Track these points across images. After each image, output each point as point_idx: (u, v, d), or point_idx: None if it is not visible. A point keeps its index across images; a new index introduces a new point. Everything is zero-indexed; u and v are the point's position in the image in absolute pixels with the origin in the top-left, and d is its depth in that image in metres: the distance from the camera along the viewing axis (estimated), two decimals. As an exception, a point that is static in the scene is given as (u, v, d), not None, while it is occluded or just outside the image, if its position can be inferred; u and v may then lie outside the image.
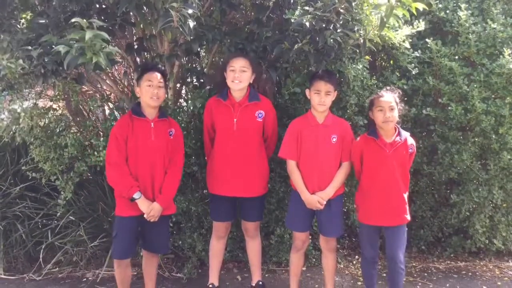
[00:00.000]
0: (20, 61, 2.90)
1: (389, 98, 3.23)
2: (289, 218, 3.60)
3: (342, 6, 3.11)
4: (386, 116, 3.19)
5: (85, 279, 4.12)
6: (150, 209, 3.21)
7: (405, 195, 3.35)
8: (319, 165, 3.34)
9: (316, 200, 3.33)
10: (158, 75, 3.26)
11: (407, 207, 3.35)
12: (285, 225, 3.86)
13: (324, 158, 3.35)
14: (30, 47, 2.92)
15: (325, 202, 3.34)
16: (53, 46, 2.78)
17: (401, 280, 3.34)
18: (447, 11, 4.19)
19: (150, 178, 3.25)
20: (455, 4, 4.19)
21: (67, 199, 4.10)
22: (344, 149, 3.39)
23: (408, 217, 3.34)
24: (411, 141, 3.33)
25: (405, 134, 3.31)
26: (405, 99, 3.70)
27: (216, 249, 3.71)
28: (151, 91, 3.21)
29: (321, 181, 3.36)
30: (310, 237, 3.98)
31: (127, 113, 3.38)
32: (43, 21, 3.15)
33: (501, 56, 3.95)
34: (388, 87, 3.44)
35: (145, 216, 3.21)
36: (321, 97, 3.29)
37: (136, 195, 3.18)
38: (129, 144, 3.23)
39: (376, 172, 3.30)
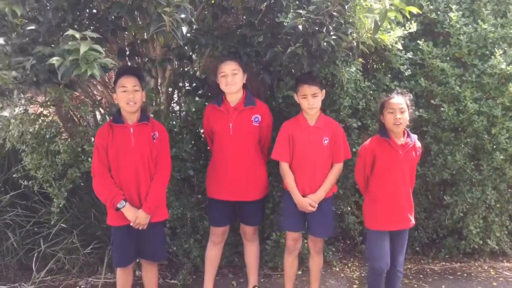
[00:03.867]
0: (14, 72, 2.86)
1: (400, 100, 3.22)
2: (283, 218, 3.59)
3: (335, 9, 3.11)
4: (397, 118, 3.17)
5: (78, 287, 4.07)
6: (136, 217, 3.14)
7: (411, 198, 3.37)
8: (311, 167, 3.34)
9: (307, 203, 3.33)
10: (133, 79, 3.15)
11: (413, 210, 3.36)
12: (279, 227, 3.84)
13: (315, 160, 3.34)
14: (22, 58, 2.89)
15: (316, 205, 3.34)
16: (46, 56, 2.75)
17: (399, 283, 3.35)
18: (438, 13, 4.22)
19: (135, 185, 3.17)
20: (446, 6, 4.21)
21: (60, 206, 4.05)
22: (336, 150, 3.38)
23: (413, 220, 3.35)
24: (419, 144, 3.36)
25: (414, 137, 3.32)
26: (414, 100, 3.68)
27: (213, 255, 3.67)
28: (126, 97, 3.11)
29: (313, 183, 3.35)
30: (305, 240, 3.98)
31: (107, 121, 3.32)
32: (34, 27, 3.11)
33: (492, 56, 3.97)
34: (399, 90, 3.43)
35: (131, 224, 3.15)
36: (309, 100, 3.28)
37: (119, 204, 3.11)
38: (110, 153, 3.15)
39: (387, 174, 3.27)
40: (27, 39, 3.07)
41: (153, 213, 3.21)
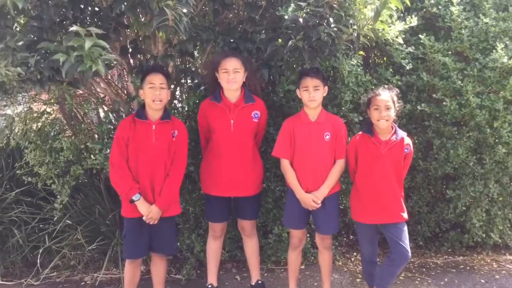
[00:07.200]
0: (18, 69, 2.89)
1: (386, 97, 3.22)
2: (286, 216, 3.58)
3: (335, 1, 3.12)
4: (382, 115, 3.19)
5: (83, 283, 4.10)
6: (149, 212, 3.20)
7: (400, 195, 3.33)
8: (313, 163, 3.34)
9: (311, 199, 3.32)
10: (161, 76, 3.24)
11: (404, 206, 3.33)
12: (282, 224, 3.85)
13: (317, 156, 3.34)
14: (28, 54, 2.91)
15: (320, 202, 3.33)
16: (50, 52, 2.78)
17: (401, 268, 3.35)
18: (439, 7, 4.21)
19: (150, 181, 3.23)
20: (447, 0, 4.20)
21: (63, 203, 4.08)
22: (338, 146, 3.37)
23: (405, 215, 3.32)
24: (407, 141, 3.31)
25: (402, 134, 3.29)
26: (400, 95, 3.70)
27: (213, 249, 3.69)
28: (153, 93, 3.20)
29: (315, 179, 3.35)
30: (308, 235, 3.99)
31: (130, 115, 3.39)
32: (37, 24, 3.14)
33: (494, 50, 3.96)
34: (386, 86, 3.42)
35: (143, 218, 3.20)
36: (310, 92, 3.29)
37: (135, 197, 3.17)
38: (130, 146, 3.23)
39: (370, 170, 3.29)
40: (30, 36, 3.10)
41: (166, 209, 3.27)
